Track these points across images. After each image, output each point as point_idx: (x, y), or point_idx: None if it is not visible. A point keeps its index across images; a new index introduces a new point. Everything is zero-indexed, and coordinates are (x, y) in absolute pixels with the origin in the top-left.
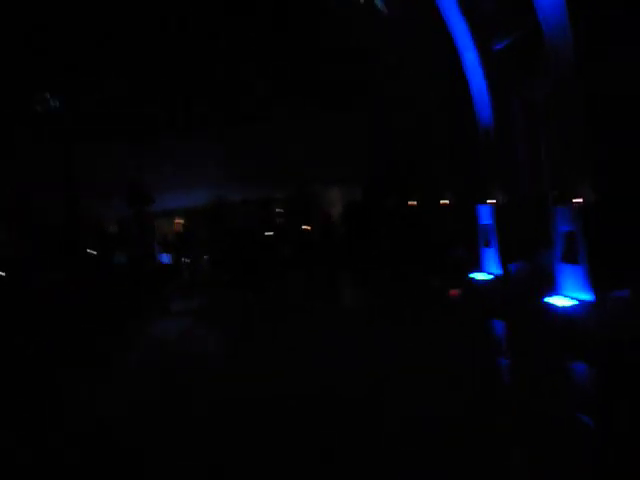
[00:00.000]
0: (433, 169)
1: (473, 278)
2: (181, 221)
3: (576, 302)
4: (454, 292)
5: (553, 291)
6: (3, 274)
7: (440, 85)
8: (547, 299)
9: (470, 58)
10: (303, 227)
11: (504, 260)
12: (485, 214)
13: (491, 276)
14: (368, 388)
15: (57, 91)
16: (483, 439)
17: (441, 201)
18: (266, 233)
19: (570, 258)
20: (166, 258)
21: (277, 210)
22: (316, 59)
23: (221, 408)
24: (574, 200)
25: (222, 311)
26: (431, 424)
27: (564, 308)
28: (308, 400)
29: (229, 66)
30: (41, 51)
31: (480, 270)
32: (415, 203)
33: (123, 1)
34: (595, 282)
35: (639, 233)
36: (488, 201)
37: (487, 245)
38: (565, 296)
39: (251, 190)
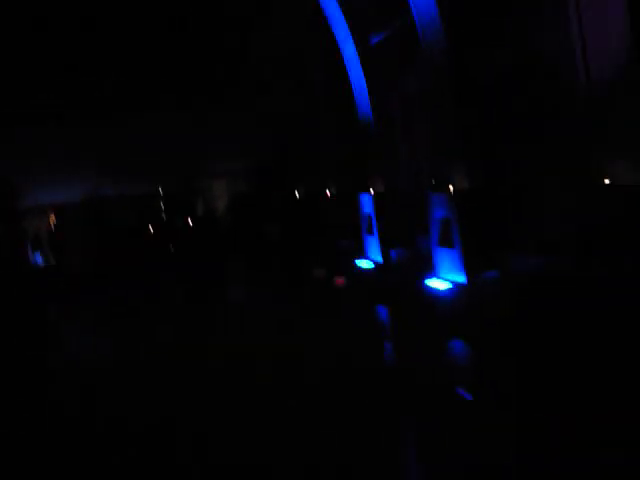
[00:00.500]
0: (320, 160)
1: (358, 266)
2: (54, 218)
3: (451, 284)
4: (339, 280)
5: (432, 274)
6: None
7: (326, 77)
8: (426, 282)
9: (349, 51)
10: (186, 221)
11: (385, 247)
12: (367, 203)
13: (374, 263)
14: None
15: None
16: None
17: (328, 191)
18: (148, 229)
19: (445, 243)
20: (39, 258)
21: (160, 205)
22: (203, 54)
23: None
24: (449, 188)
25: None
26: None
27: (441, 290)
28: None
29: (109, 55)
30: None
31: (364, 257)
32: (302, 194)
33: None
34: (467, 264)
35: (506, 219)
36: (370, 190)
37: (370, 233)
38: (442, 279)
39: (131, 185)
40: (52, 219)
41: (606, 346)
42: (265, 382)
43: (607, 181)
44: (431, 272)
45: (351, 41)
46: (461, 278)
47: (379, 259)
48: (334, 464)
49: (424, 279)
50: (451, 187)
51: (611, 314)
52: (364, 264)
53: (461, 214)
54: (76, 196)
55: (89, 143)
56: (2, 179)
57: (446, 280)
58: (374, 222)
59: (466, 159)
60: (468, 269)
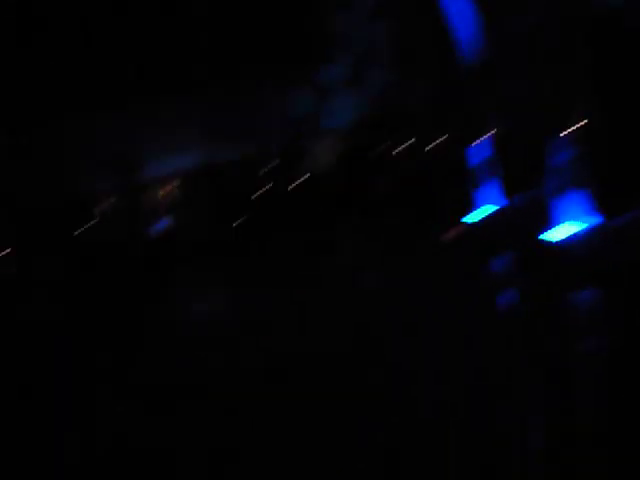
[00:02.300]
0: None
1: (470, 220)
2: (172, 187)
3: (585, 227)
4: (452, 234)
5: (561, 219)
6: None
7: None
8: (554, 229)
9: None
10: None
11: (505, 193)
12: (479, 150)
13: (492, 212)
14: None
15: None
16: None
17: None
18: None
19: (577, 183)
20: (161, 225)
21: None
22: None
23: None
24: (573, 126)
25: None
26: None
27: (573, 236)
28: None
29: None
30: None
31: (478, 208)
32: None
33: None
34: (603, 204)
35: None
36: (482, 138)
37: (482, 183)
38: (573, 223)
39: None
40: (170, 188)
41: None
42: None
43: None
44: (560, 217)
45: None
46: (596, 220)
47: (496, 207)
48: None
49: (551, 225)
50: (578, 122)
51: None
52: (480, 215)
53: (590, 151)
54: (191, 164)
55: (198, 112)
56: (118, 154)
57: (578, 224)
58: (489, 168)
59: (590, 93)
60: (604, 209)
